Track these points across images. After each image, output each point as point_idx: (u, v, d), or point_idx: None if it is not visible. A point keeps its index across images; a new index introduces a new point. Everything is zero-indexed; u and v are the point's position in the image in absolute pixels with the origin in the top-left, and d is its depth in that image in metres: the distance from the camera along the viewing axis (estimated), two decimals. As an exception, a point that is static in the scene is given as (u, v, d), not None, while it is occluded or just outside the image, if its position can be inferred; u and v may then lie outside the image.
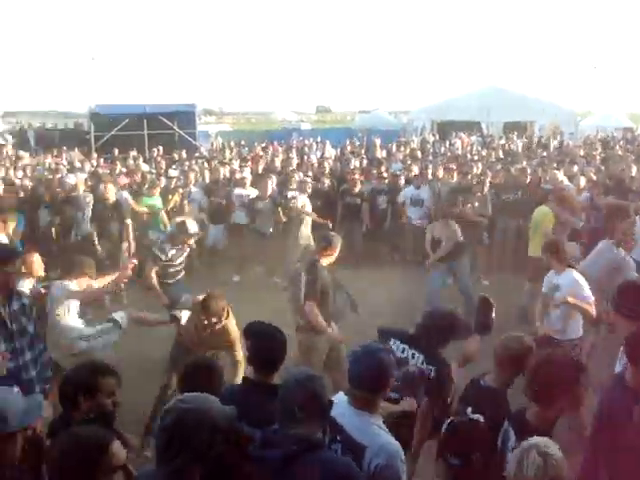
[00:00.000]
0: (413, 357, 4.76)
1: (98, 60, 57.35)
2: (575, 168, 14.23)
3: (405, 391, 4.45)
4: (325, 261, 6.60)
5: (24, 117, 74.49)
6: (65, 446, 2.69)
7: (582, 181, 11.96)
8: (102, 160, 19.18)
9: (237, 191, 12.44)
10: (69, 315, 6.25)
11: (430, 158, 18.47)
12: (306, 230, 11.73)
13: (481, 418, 3.62)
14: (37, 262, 6.60)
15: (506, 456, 3.49)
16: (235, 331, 6.03)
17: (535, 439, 2.94)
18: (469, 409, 3.76)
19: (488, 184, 12.24)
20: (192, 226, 8.11)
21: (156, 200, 11.92)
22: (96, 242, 10.54)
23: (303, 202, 11.87)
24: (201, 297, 6.06)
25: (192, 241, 8.25)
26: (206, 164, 16.72)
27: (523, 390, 3.73)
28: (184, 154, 19.86)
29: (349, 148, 22.21)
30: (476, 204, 11.56)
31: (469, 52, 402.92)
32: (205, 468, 2.82)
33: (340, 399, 3.53)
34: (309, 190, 12.41)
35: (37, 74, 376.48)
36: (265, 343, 4.03)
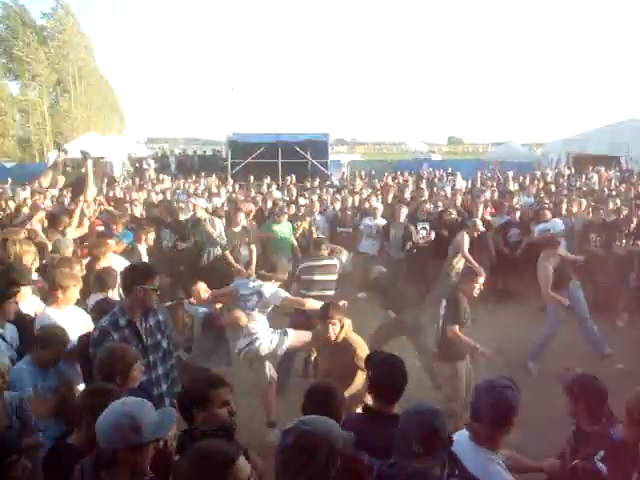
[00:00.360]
0: None
1: (237, 90, 59.58)
2: None
3: None
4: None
5: (166, 143, 78.54)
6: (193, 460, 2.73)
7: None
8: (237, 186, 19.86)
9: (366, 221, 12.61)
10: None
11: (565, 192, 17.94)
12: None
13: (604, 469, 3.46)
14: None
15: None
16: (359, 340, 6.05)
17: None
18: (600, 454, 3.59)
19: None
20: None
21: (284, 227, 12.16)
22: (232, 261, 10.96)
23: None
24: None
25: None
26: (337, 193, 17.00)
27: None
28: (316, 182, 20.29)
29: (480, 180, 21.94)
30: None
31: (606, 83, 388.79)
32: None
33: (461, 434, 3.49)
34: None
35: (180, 103, 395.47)
36: (386, 372, 4.06)
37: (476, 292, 6.78)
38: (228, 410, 3.76)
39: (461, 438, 3.43)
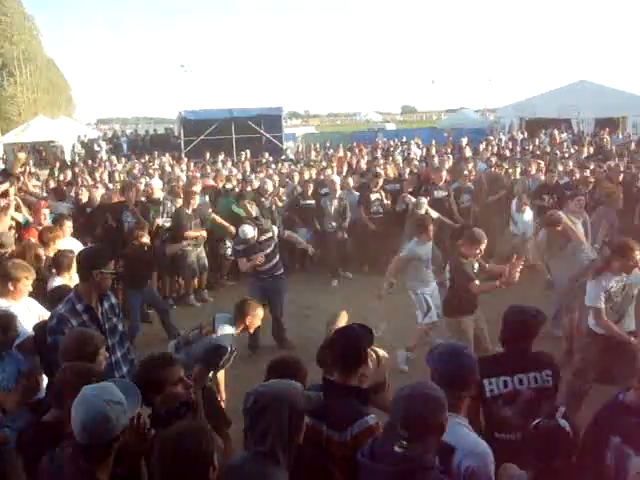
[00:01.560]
0: (522, 382, 4.31)
1: (187, 67, 58.74)
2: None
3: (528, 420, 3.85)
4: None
5: (117, 124, 77.30)
6: (175, 451, 2.69)
7: None
8: (192, 164, 19.68)
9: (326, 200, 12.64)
10: None
11: (518, 156, 18.12)
12: None
13: (567, 425, 3.46)
14: None
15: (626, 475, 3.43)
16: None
17: None
18: (561, 411, 3.60)
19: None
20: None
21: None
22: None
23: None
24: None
25: None
26: (293, 166, 16.98)
27: None
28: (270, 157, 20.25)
29: (434, 148, 22.06)
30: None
31: (556, 47, 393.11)
32: (292, 457, 2.97)
33: None
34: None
35: (129, 82, 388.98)
36: (341, 342, 3.88)
37: (477, 255, 6.93)
38: (183, 386, 3.76)
39: None
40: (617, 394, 3.84)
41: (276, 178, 14.14)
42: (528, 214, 11.52)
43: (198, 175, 15.44)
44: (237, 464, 3.04)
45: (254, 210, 10.23)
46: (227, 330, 5.88)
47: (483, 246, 6.89)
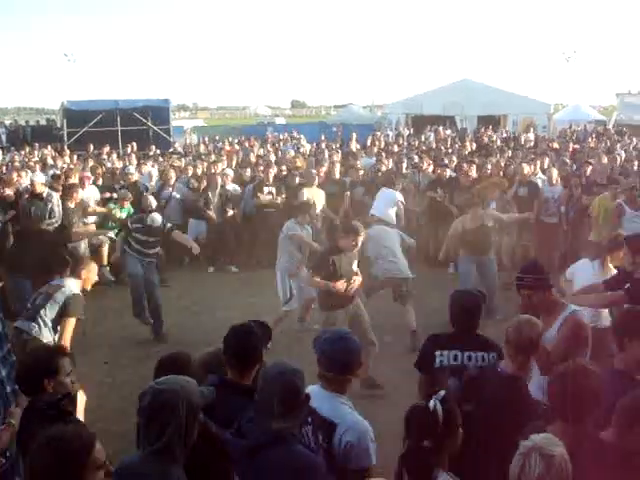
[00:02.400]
0: (470, 359, 4.57)
1: (71, 57, 56.65)
2: (547, 161, 14.42)
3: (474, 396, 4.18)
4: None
5: (-4, 114, 73.78)
6: (50, 450, 2.62)
7: (555, 174, 12.09)
8: (75, 157, 18.98)
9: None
10: None
11: (405, 152, 18.50)
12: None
13: (439, 408, 3.56)
14: None
15: None
16: None
17: (538, 438, 2.81)
18: (440, 393, 3.72)
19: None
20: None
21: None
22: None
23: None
24: None
25: None
26: (182, 160, 16.70)
27: None
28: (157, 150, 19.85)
29: (324, 143, 22.21)
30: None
31: (442, 46, 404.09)
32: (187, 452, 2.94)
33: (313, 387, 3.64)
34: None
35: (8, 71, 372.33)
36: (230, 342, 3.85)
37: (354, 247, 7.03)
38: (71, 379, 3.88)
39: (314, 389, 3.61)
40: (493, 367, 4.27)
41: (155, 172, 13.99)
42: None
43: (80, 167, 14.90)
44: (131, 464, 2.97)
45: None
46: (71, 282, 6.29)
47: (360, 238, 6.99)
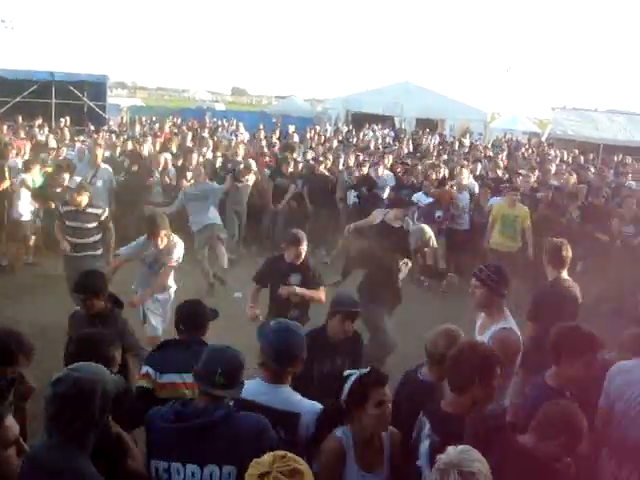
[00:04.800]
0: None
1: (8, 23, 54.81)
2: (479, 167, 14.76)
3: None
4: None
5: None
6: None
7: (465, 179, 12.44)
8: (5, 127, 18.38)
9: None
10: None
11: (343, 148, 18.58)
12: None
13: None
14: None
15: (420, 443, 3.63)
16: None
17: (453, 453, 2.78)
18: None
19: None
20: None
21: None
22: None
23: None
24: None
25: None
26: (115, 138, 16.38)
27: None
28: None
29: (263, 132, 22.11)
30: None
31: (387, 45, 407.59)
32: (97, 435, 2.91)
33: (251, 382, 3.69)
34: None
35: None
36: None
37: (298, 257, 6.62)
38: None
39: (253, 384, 3.71)
40: (415, 371, 4.35)
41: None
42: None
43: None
44: (40, 452, 2.88)
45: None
46: None
47: (302, 248, 6.57)
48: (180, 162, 13.04)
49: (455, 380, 3.65)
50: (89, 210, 8.36)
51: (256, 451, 2.80)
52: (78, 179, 10.09)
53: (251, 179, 12.30)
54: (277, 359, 3.68)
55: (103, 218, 8.45)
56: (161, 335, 7.11)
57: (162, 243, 7.09)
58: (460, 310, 7.24)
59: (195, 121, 25.34)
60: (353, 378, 3.54)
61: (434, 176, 12.76)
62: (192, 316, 4.68)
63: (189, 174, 12.10)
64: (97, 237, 8.45)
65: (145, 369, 4.44)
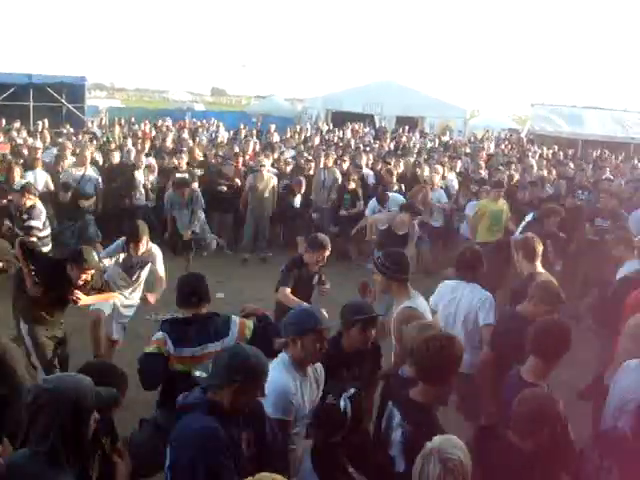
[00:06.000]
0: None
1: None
2: (459, 164, 14.86)
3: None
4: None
5: None
6: None
7: (437, 178, 12.69)
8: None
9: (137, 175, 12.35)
10: None
11: (323, 147, 18.60)
12: None
13: (348, 407, 3.69)
14: None
15: (392, 433, 3.67)
16: None
17: (439, 440, 2.89)
18: (350, 391, 3.83)
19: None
20: None
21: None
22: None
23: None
24: None
25: None
26: (95, 141, 16.31)
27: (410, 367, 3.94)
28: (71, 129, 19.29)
29: (243, 132, 22.08)
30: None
31: (367, 44, 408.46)
32: (81, 452, 2.89)
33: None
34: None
35: None
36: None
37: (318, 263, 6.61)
38: None
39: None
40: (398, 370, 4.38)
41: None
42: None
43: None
44: (17, 463, 2.86)
45: None
46: None
47: (327, 252, 6.54)
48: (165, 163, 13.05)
49: (429, 372, 3.65)
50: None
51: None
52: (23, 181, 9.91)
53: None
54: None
55: None
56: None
57: (141, 250, 7.10)
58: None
59: (182, 122, 25.29)
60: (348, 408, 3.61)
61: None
62: (205, 287, 4.92)
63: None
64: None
65: (162, 335, 4.57)
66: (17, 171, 10.53)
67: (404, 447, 3.45)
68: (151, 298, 7.06)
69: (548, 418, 3.41)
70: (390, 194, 11.46)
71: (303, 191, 12.58)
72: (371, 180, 13.36)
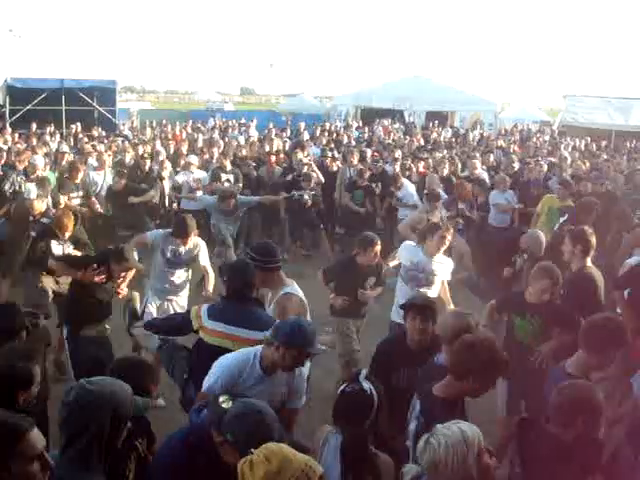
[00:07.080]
0: None
1: (16, 32, 55.21)
2: (492, 158, 14.71)
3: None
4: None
5: None
6: None
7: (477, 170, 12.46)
8: (17, 135, 18.50)
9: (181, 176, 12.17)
10: None
11: (353, 144, 18.55)
12: None
13: (372, 388, 3.65)
14: None
15: (410, 423, 3.73)
16: None
17: (441, 426, 2.88)
18: (363, 372, 3.79)
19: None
20: None
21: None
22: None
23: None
24: None
25: None
26: (127, 143, 16.44)
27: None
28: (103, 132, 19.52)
29: (273, 131, 22.11)
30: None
31: (395, 40, 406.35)
32: (112, 455, 2.84)
33: None
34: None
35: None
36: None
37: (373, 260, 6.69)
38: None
39: None
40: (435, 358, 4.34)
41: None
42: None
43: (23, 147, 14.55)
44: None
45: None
46: None
47: (378, 248, 6.62)
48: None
49: (457, 365, 3.65)
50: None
51: None
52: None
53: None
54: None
55: None
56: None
57: (189, 244, 7.11)
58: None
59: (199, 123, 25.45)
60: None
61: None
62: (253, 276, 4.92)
63: (223, 176, 11.95)
64: None
65: (203, 309, 4.76)
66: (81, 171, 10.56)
67: (415, 440, 3.44)
68: (209, 287, 7.14)
69: (588, 408, 3.36)
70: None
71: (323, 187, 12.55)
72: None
